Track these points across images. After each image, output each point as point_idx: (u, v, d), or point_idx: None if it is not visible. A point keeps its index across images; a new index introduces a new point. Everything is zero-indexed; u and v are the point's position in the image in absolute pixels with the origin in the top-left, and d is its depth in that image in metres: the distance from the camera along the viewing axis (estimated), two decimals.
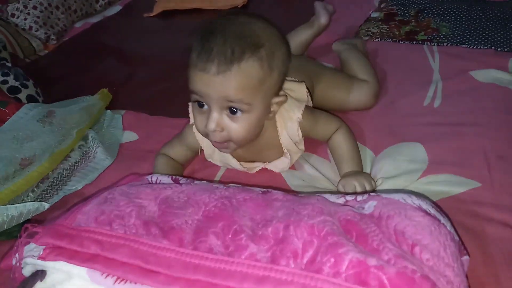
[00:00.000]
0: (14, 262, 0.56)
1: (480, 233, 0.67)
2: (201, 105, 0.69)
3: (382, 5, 1.50)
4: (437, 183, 0.77)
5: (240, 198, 0.58)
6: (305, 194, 0.63)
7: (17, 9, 1.55)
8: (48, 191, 0.86)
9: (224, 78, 0.63)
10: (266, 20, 0.70)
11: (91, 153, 0.96)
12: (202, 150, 0.85)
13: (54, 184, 0.88)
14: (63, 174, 0.90)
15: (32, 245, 0.57)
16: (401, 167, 0.82)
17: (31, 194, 0.84)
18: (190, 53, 0.68)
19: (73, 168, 0.92)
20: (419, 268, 0.44)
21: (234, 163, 0.83)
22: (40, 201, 0.81)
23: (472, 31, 1.26)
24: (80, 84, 1.30)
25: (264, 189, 0.62)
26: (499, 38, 1.20)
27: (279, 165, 0.84)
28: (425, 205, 0.55)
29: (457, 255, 0.49)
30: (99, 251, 0.52)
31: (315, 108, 0.87)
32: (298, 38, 1.18)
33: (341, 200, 0.60)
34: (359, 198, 0.60)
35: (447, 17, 1.36)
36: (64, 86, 1.30)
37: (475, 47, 1.19)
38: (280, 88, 0.73)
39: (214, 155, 0.85)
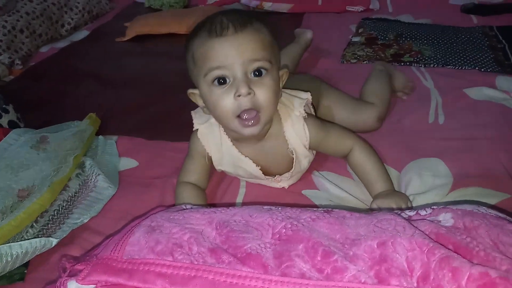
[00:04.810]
0: None
1: None
2: (222, 82, 0.67)
3: (360, 30, 1.54)
4: (468, 197, 0.77)
5: (307, 218, 0.53)
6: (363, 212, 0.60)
7: None
8: (50, 225, 0.76)
9: (243, 35, 0.66)
10: None
11: (90, 182, 0.86)
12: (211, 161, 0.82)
13: (55, 217, 0.77)
14: (63, 206, 0.80)
15: (72, 285, 0.48)
16: (427, 182, 0.82)
17: (30, 230, 0.74)
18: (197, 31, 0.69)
19: (73, 199, 0.82)
20: None
21: (247, 163, 0.78)
22: (40, 237, 0.72)
23: (453, 53, 1.31)
24: (59, 109, 1.21)
25: (324, 208, 0.58)
26: (480, 59, 1.26)
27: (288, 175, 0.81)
28: (500, 214, 0.53)
29: None
30: (168, 285, 0.45)
31: (327, 121, 0.85)
32: (289, 54, 1.22)
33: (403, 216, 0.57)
34: (422, 212, 0.57)
35: (425, 41, 1.42)
36: (41, 112, 1.19)
37: (460, 67, 1.24)
38: (279, 69, 0.74)
39: (224, 160, 0.80)
